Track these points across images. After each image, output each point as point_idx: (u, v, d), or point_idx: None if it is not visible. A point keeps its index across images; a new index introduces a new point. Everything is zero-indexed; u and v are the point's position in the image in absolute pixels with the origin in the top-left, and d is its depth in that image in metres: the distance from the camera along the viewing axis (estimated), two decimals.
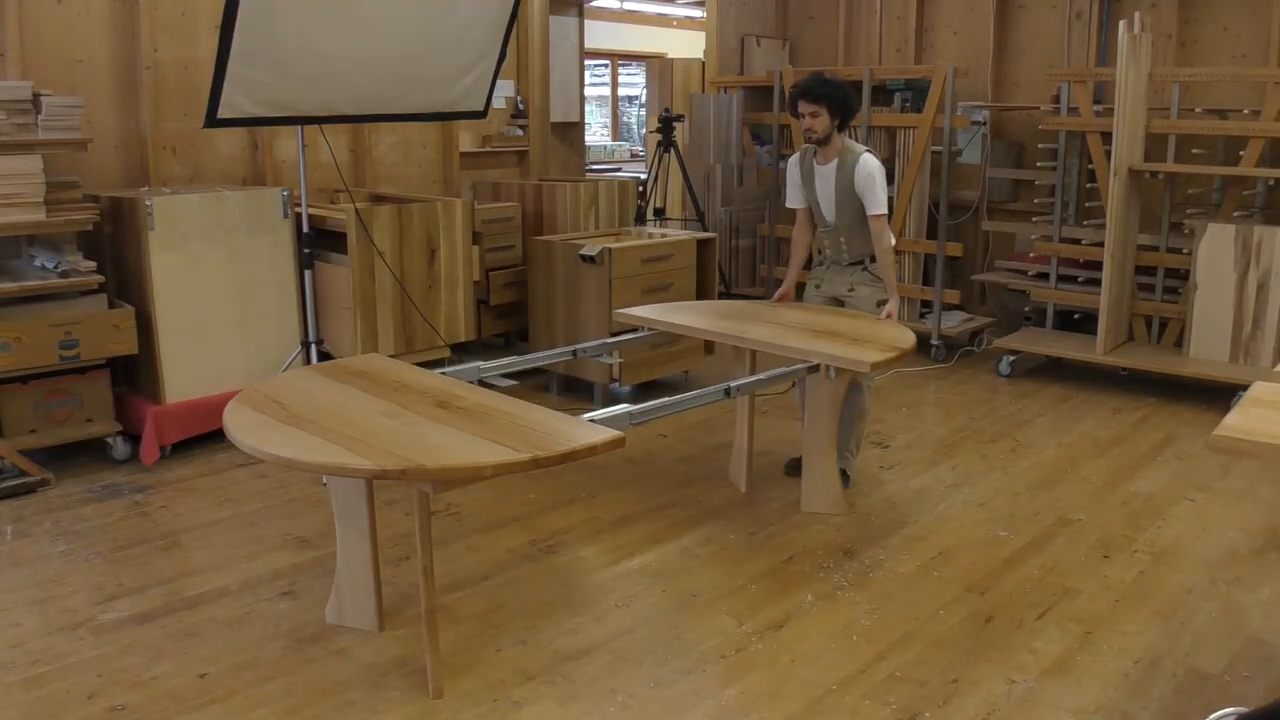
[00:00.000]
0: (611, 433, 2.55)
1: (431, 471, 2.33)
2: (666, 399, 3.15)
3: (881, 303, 3.94)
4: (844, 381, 3.62)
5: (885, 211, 3.83)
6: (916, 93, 6.25)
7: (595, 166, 10.25)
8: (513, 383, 4.95)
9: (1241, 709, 2.44)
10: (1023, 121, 6.50)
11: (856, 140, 4.32)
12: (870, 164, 3.82)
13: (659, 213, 6.94)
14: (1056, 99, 5.83)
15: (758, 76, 7.03)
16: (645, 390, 5.13)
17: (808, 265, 4.28)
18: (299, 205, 4.35)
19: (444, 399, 2.81)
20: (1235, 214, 5.33)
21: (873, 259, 3.93)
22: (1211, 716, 2.42)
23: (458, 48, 4.42)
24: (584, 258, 4.88)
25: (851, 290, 4.00)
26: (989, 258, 6.65)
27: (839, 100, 3.79)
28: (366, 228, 4.65)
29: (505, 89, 6.46)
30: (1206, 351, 5.19)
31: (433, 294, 4.99)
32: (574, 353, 3.95)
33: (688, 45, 11.39)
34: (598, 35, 10.03)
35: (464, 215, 5.07)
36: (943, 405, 5.23)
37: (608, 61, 12.23)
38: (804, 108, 3.80)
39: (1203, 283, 5.14)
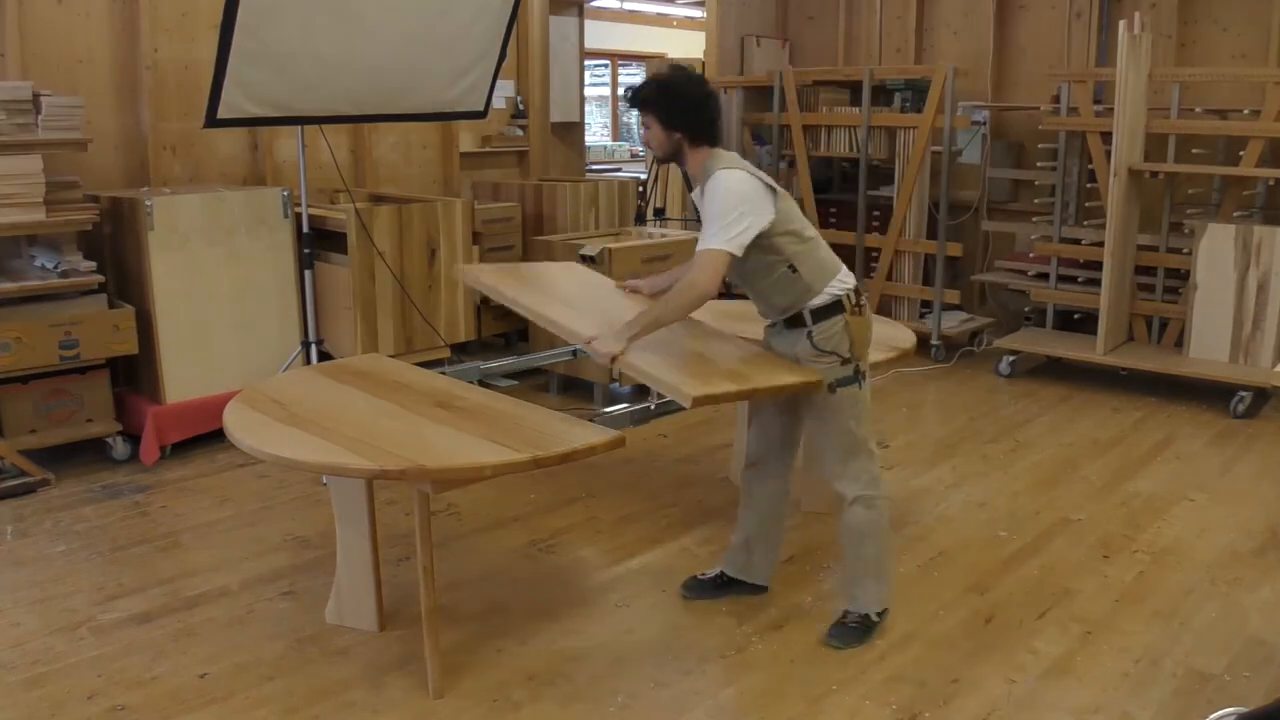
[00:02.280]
0: (611, 433, 2.55)
1: (431, 471, 2.33)
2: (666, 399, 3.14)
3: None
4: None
5: (715, 246, 2.65)
6: (916, 93, 6.24)
7: (595, 166, 10.25)
8: (513, 383, 4.95)
9: (1241, 709, 2.44)
10: (1023, 121, 6.50)
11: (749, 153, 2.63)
12: (722, 180, 2.71)
13: (659, 213, 6.95)
14: (1056, 99, 5.82)
15: (757, 76, 7.02)
16: (645, 390, 5.13)
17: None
18: (299, 205, 4.35)
19: (444, 399, 2.81)
20: (1235, 214, 5.32)
21: (816, 316, 2.76)
22: (1211, 717, 2.42)
23: (458, 48, 4.41)
24: (584, 257, 4.88)
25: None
26: (989, 258, 6.64)
27: (667, 104, 2.78)
28: (366, 228, 4.65)
29: (505, 89, 6.46)
30: (1206, 351, 5.18)
31: (433, 294, 4.99)
32: (574, 353, 3.96)
33: (688, 45, 11.39)
34: (598, 35, 10.03)
35: (464, 215, 5.07)
36: (943, 405, 5.23)
37: (608, 61, 12.23)
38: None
39: (1203, 283, 5.13)
